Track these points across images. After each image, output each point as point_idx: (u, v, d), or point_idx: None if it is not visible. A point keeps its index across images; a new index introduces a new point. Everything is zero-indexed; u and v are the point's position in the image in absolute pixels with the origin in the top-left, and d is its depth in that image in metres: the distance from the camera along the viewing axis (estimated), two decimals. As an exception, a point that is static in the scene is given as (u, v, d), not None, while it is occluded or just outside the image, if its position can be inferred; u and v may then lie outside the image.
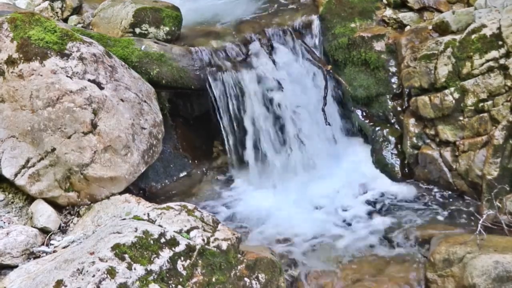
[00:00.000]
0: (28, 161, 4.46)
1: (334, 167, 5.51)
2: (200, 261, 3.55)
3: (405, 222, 4.79)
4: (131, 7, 5.56)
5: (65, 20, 6.13)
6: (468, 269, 3.73)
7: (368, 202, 5.12)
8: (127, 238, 3.44)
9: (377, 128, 5.55)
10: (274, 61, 5.52)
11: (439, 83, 4.96)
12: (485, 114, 4.75)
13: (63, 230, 4.39)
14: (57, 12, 6.23)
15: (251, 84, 5.36)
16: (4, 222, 4.34)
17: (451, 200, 4.97)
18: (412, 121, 5.23)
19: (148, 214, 3.74)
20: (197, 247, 3.58)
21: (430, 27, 5.34)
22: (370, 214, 4.97)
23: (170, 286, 3.38)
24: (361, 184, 5.33)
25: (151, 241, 3.48)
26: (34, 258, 4.02)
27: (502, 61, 4.69)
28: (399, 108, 5.49)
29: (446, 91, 4.91)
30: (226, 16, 5.98)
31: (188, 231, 3.67)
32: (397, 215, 4.89)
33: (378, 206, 5.06)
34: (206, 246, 3.62)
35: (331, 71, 5.64)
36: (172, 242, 3.53)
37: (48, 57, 4.52)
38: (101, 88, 4.59)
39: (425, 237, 4.51)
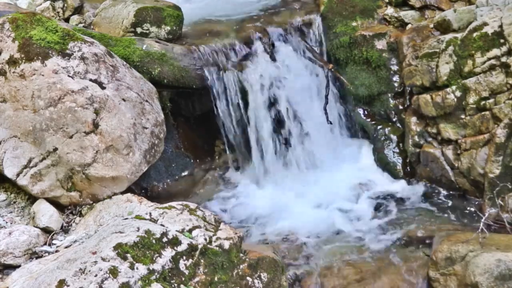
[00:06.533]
0: (30, 161, 4.47)
1: (336, 166, 5.51)
2: (202, 260, 3.55)
3: (407, 220, 4.79)
4: (132, 6, 5.56)
5: (67, 20, 6.14)
6: (470, 267, 3.73)
7: (370, 201, 5.12)
8: (129, 238, 3.44)
9: (378, 127, 5.55)
10: (275, 60, 5.52)
11: (440, 81, 4.96)
12: (487, 112, 4.74)
13: (65, 229, 4.40)
14: (58, 12, 6.23)
15: (252, 83, 5.36)
16: (7, 222, 4.35)
17: (453, 198, 4.97)
18: (413, 119, 5.22)
19: (150, 213, 3.74)
20: (199, 246, 3.59)
21: (432, 25, 5.34)
22: (371, 212, 4.97)
23: (173, 286, 3.39)
24: (362, 183, 5.33)
25: (153, 241, 3.48)
26: (37, 258, 4.02)
27: (503, 59, 4.69)
28: (400, 107, 5.49)
29: (448, 89, 4.91)
30: (227, 15, 5.97)
31: (190, 231, 3.67)
32: (399, 214, 4.89)
33: (379, 204, 5.06)
34: (208, 245, 3.62)
35: (332, 70, 5.64)
36: (174, 242, 3.54)
37: (49, 57, 4.53)
38: (103, 88, 4.59)
39: (427, 235, 4.51)
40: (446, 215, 4.79)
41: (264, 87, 5.38)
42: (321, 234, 4.68)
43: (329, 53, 5.77)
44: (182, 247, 3.53)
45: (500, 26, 4.73)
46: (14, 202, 4.58)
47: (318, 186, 5.28)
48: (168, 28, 5.52)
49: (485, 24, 4.81)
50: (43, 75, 4.48)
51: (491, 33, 4.75)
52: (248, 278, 3.63)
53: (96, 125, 4.49)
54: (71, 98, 4.46)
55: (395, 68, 5.51)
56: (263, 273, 3.69)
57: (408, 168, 5.32)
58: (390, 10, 5.76)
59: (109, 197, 4.56)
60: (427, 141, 5.15)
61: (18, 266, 3.92)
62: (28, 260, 4.01)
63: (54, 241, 4.24)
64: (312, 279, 4.17)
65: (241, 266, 3.65)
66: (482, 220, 4.04)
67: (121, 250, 3.37)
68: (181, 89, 5.35)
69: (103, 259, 3.32)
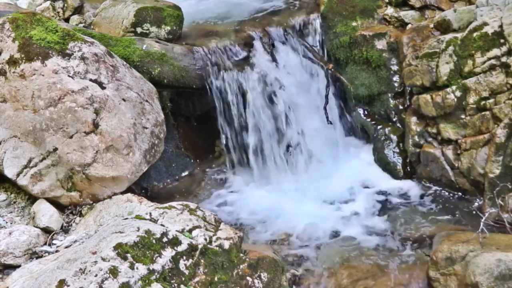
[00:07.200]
0: (30, 161, 4.47)
1: (336, 166, 5.51)
2: (202, 260, 3.55)
3: (407, 220, 4.79)
4: (132, 6, 5.56)
5: (67, 20, 6.14)
6: (470, 267, 3.73)
7: (370, 201, 5.12)
8: (130, 238, 3.44)
9: (378, 127, 5.55)
10: (275, 60, 5.52)
11: (441, 81, 4.96)
12: (487, 112, 4.74)
13: (65, 229, 4.40)
14: (58, 12, 6.23)
15: (252, 83, 5.36)
16: (7, 222, 4.35)
17: (453, 198, 4.97)
18: (414, 119, 5.22)
19: (150, 213, 3.74)
20: (199, 246, 3.59)
21: (432, 25, 5.34)
22: (371, 212, 4.96)
23: (173, 286, 3.39)
24: (362, 183, 5.33)
25: (153, 241, 3.48)
26: (37, 258, 4.02)
27: (503, 59, 4.69)
28: (400, 107, 5.49)
29: (448, 89, 4.91)
30: (227, 15, 5.98)
31: (190, 230, 3.67)
32: (399, 214, 4.89)
33: (380, 204, 5.06)
34: (208, 245, 3.62)
35: (332, 70, 5.64)
36: (175, 242, 3.54)
37: (49, 57, 4.53)
38: (103, 88, 4.59)
39: (427, 235, 4.52)
40: (446, 215, 4.79)
41: (264, 87, 5.38)
42: (321, 234, 4.68)
43: (329, 53, 5.77)
44: (182, 247, 3.53)
45: (500, 26, 4.73)
46: (14, 202, 4.58)
47: (317, 186, 5.28)
48: (168, 28, 5.52)
49: (485, 24, 4.81)
50: (43, 75, 4.48)
51: (491, 33, 4.75)
52: (248, 278, 3.63)
53: (96, 125, 4.49)
54: (71, 98, 4.46)
55: (395, 68, 5.51)
56: (263, 273, 3.69)
57: (408, 168, 5.32)
58: (390, 10, 5.76)
59: (109, 197, 4.57)
60: (427, 141, 5.15)
61: (18, 266, 3.92)
62: (28, 260, 4.01)
63: (54, 241, 4.24)
64: (312, 279, 4.17)
65: (241, 266, 3.65)
66: (482, 220, 4.03)
67: (121, 250, 3.37)
68: (181, 89, 5.35)
69: (103, 259, 3.32)
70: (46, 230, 4.30)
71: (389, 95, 5.53)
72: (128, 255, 3.36)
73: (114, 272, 3.26)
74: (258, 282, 3.64)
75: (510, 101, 4.63)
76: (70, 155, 4.44)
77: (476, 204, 4.80)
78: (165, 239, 3.52)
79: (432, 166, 5.10)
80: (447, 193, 5.04)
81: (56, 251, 4.07)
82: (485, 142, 4.72)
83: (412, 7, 5.72)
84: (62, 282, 3.23)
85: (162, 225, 3.65)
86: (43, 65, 4.50)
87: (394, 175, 5.33)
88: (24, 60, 4.53)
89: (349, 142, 5.72)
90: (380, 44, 5.55)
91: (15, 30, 4.61)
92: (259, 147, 5.42)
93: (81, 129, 4.46)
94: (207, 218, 3.83)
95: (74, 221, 4.47)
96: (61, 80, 4.48)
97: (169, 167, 5.42)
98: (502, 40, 4.70)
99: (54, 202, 4.48)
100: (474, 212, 4.64)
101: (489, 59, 4.74)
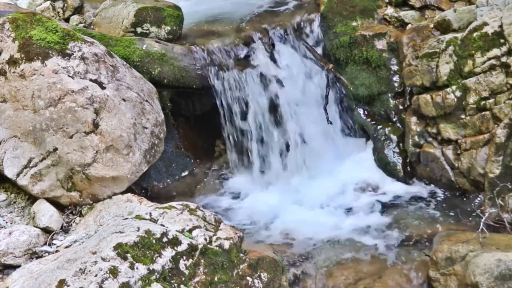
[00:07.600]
0: (30, 161, 4.47)
1: (336, 166, 5.50)
2: (202, 260, 3.55)
3: (407, 220, 4.79)
4: (132, 6, 5.56)
5: (67, 20, 6.14)
6: (470, 267, 3.73)
7: (370, 201, 5.12)
8: (130, 238, 3.44)
9: (378, 127, 5.54)
10: (275, 60, 5.53)
11: (440, 81, 4.96)
12: (487, 112, 4.75)
13: (65, 229, 4.40)
14: (58, 12, 6.24)
15: (252, 83, 5.36)
16: (7, 222, 4.35)
17: (453, 198, 4.97)
18: (414, 119, 5.22)
19: (150, 213, 3.74)
20: (199, 246, 3.59)
21: (432, 25, 5.34)
22: (371, 213, 4.96)
23: (173, 286, 3.39)
24: (362, 183, 5.33)
25: (153, 241, 3.48)
26: (37, 258, 4.02)
27: (503, 59, 4.69)
28: (400, 107, 5.48)
29: (448, 89, 4.91)
30: (228, 16, 5.97)
31: (190, 230, 3.67)
32: (399, 214, 4.89)
33: (379, 205, 5.05)
34: (208, 245, 3.62)
35: (332, 70, 5.64)
36: (174, 242, 3.54)
37: (49, 57, 4.53)
38: (103, 88, 4.59)
39: (428, 235, 4.51)
40: (446, 215, 4.79)
41: (264, 87, 5.38)
42: (321, 235, 4.67)
43: (329, 53, 5.77)
44: (182, 247, 3.53)
45: (500, 26, 4.73)
46: (14, 202, 4.58)
47: (317, 187, 5.27)
48: (168, 28, 5.52)
49: (485, 24, 4.81)
50: (43, 75, 4.48)
51: (491, 33, 4.75)
52: (248, 278, 3.63)
53: (96, 125, 4.49)
54: (71, 98, 4.46)
55: (395, 68, 5.51)
56: (263, 273, 3.69)
57: (408, 168, 5.32)
58: (390, 10, 5.76)
59: (109, 197, 4.56)
60: (427, 141, 5.15)
61: (18, 266, 3.92)
62: (28, 260, 4.01)
63: (54, 241, 4.24)
64: (312, 279, 4.17)
65: (241, 266, 3.65)
66: (482, 220, 4.03)
67: (121, 250, 3.37)
68: (181, 89, 5.35)
69: (103, 259, 3.32)
70: (46, 230, 4.30)
71: (389, 95, 5.53)
72: (128, 255, 3.37)
73: (114, 272, 3.26)
74: (258, 282, 3.64)
75: (510, 101, 4.63)
76: (70, 155, 4.44)
77: (476, 204, 4.80)
78: (165, 239, 3.52)
79: (432, 166, 5.10)
80: (447, 193, 5.04)
81: (56, 251, 4.07)
82: (485, 142, 4.72)
83: (412, 7, 5.72)
84: (62, 282, 3.23)
85: (162, 225, 3.65)
86: (43, 65, 4.50)
87: (394, 175, 5.33)
88: (24, 60, 4.53)
89: (349, 142, 5.72)
90: (380, 44, 5.54)
91: (15, 30, 4.61)
92: (259, 147, 5.42)
93: (81, 129, 4.46)
94: (207, 218, 3.83)
95: (74, 221, 4.47)
96: (61, 80, 4.48)
97: (169, 167, 5.42)
98: (502, 40, 4.70)
99: (54, 202, 4.48)
100: (474, 212, 4.64)
101: (489, 59, 4.74)
